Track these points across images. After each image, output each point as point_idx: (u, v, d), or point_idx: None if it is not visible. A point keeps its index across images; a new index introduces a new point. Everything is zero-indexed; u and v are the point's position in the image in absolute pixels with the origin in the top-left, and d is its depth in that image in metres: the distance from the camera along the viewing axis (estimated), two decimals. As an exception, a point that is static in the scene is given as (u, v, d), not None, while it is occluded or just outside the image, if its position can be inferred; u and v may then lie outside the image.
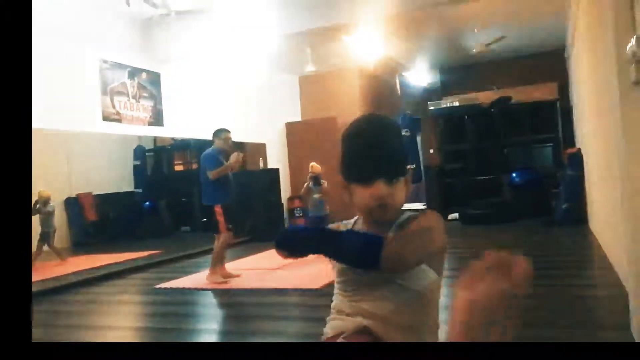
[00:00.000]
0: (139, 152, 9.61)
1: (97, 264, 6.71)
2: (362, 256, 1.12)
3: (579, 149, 7.82)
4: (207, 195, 5.43)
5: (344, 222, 1.37)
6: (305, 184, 6.44)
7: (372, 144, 1.19)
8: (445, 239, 1.22)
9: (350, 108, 10.04)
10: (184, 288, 5.42)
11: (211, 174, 5.35)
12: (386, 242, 1.10)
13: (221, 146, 5.49)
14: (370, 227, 1.27)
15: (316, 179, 6.32)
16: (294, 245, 1.17)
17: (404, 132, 10.09)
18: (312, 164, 6.47)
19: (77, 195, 8.66)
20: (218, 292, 5.19)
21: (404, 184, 1.23)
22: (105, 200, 9.12)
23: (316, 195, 6.40)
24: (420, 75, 10.56)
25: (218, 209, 5.37)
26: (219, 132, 5.54)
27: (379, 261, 1.09)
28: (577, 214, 7.63)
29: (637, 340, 2.86)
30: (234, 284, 5.39)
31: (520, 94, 9.89)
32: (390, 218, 1.23)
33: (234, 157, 5.40)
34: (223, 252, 5.50)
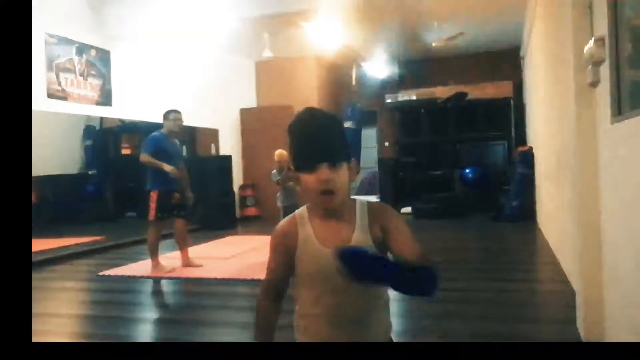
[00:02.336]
0: (90, 132, 9.24)
1: (37, 249, 6.41)
2: (426, 290, 1.23)
3: (531, 148, 7.98)
4: (147, 179, 5.25)
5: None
6: (284, 171, 5.60)
7: (314, 133, 1.30)
8: None
9: (306, 96, 9.95)
10: (129, 276, 5.24)
11: (141, 157, 5.15)
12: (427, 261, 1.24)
13: (170, 128, 5.29)
14: (324, 217, 1.34)
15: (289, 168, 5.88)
16: (360, 268, 1.16)
17: (349, 124, 10.08)
18: (281, 151, 5.63)
19: (17, 175, 8.26)
20: (166, 281, 5.04)
21: (347, 169, 1.31)
22: (46, 183, 8.72)
23: (290, 183, 5.98)
24: (378, 67, 10.54)
25: (153, 194, 5.18)
26: (168, 114, 5.33)
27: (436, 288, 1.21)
28: (526, 211, 7.80)
29: (581, 334, 2.92)
30: (182, 273, 5.25)
31: (476, 91, 10.02)
32: (337, 204, 1.31)
33: (171, 170, 5.09)
34: (157, 242, 5.29)
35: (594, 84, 2.72)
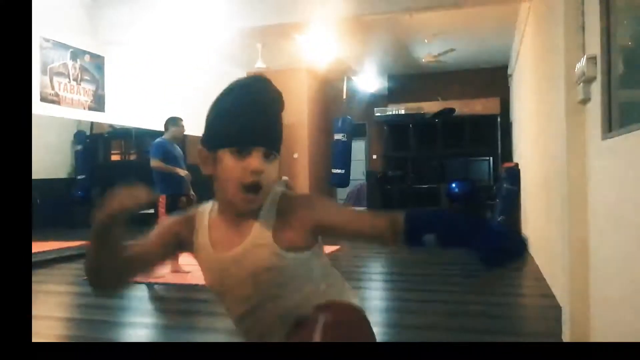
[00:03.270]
0: (81, 138, 9.20)
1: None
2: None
3: (517, 164, 8.09)
4: (155, 184, 5.29)
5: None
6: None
7: (257, 106, 1.02)
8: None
9: (297, 108, 10.03)
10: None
11: (152, 162, 5.22)
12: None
13: (175, 135, 5.36)
14: (227, 216, 1.09)
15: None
16: (422, 227, 1.04)
17: (340, 137, 10.16)
18: None
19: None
20: (151, 286, 5.02)
21: (277, 166, 1.07)
22: (35, 186, 8.63)
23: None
24: (368, 81, 10.65)
25: (161, 199, 5.23)
26: (173, 121, 5.39)
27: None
28: (511, 227, 7.89)
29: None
30: (170, 278, 5.23)
31: (464, 107, 10.16)
32: (257, 205, 1.05)
33: (185, 174, 5.27)
34: None
35: (585, 101, 2.80)
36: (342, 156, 10.15)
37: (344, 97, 10.73)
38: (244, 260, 1.05)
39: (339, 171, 10.08)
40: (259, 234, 1.05)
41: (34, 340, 3.37)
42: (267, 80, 1.08)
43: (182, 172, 5.26)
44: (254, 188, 1.01)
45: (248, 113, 1.01)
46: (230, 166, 1.01)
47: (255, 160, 1.00)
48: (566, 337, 3.04)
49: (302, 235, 1.05)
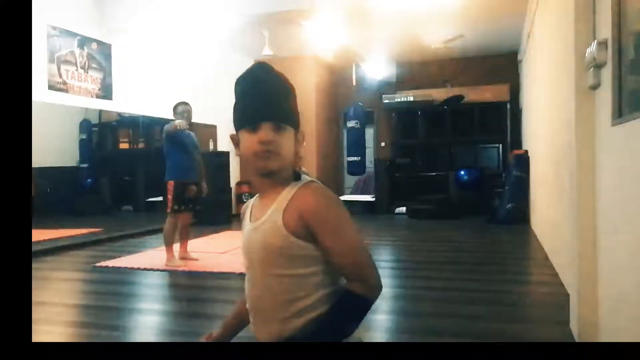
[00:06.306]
0: (86, 126, 9.24)
1: (34, 239, 6.41)
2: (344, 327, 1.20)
3: (526, 151, 8.04)
4: (166, 170, 5.29)
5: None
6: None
7: (261, 88, 1.21)
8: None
9: (305, 95, 9.99)
10: (125, 267, 5.26)
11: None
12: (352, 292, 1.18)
13: (179, 120, 5.35)
14: (263, 190, 1.27)
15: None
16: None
17: (353, 124, 10.12)
18: None
19: (14, 167, 8.21)
20: (162, 273, 5.06)
21: (293, 137, 1.23)
22: (44, 174, 8.72)
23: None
24: (376, 68, 10.57)
25: (169, 185, 5.23)
26: (176, 106, 5.38)
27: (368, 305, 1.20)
28: (520, 214, 7.87)
29: (575, 334, 2.96)
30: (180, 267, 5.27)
31: (473, 94, 10.06)
32: (275, 167, 1.20)
33: (181, 124, 5.10)
34: (172, 233, 5.32)
35: (595, 87, 2.76)
36: (357, 143, 10.14)
37: (354, 84, 10.66)
38: (260, 230, 1.22)
39: (354, 159, 10.08)
40: (273, 211, 1.20)
41: (48, 323, 3.41)
42: (268, 67, 1.25)
43: (180, 123, 5.06)
44: (264, 155, 1.17)
45: (253, 95, 1.20)
46: (247, 140, 1.19)
47: (262, 132, 1.17)
48: (573, 323, 3.03)
49: (301, 229, 1.17)
